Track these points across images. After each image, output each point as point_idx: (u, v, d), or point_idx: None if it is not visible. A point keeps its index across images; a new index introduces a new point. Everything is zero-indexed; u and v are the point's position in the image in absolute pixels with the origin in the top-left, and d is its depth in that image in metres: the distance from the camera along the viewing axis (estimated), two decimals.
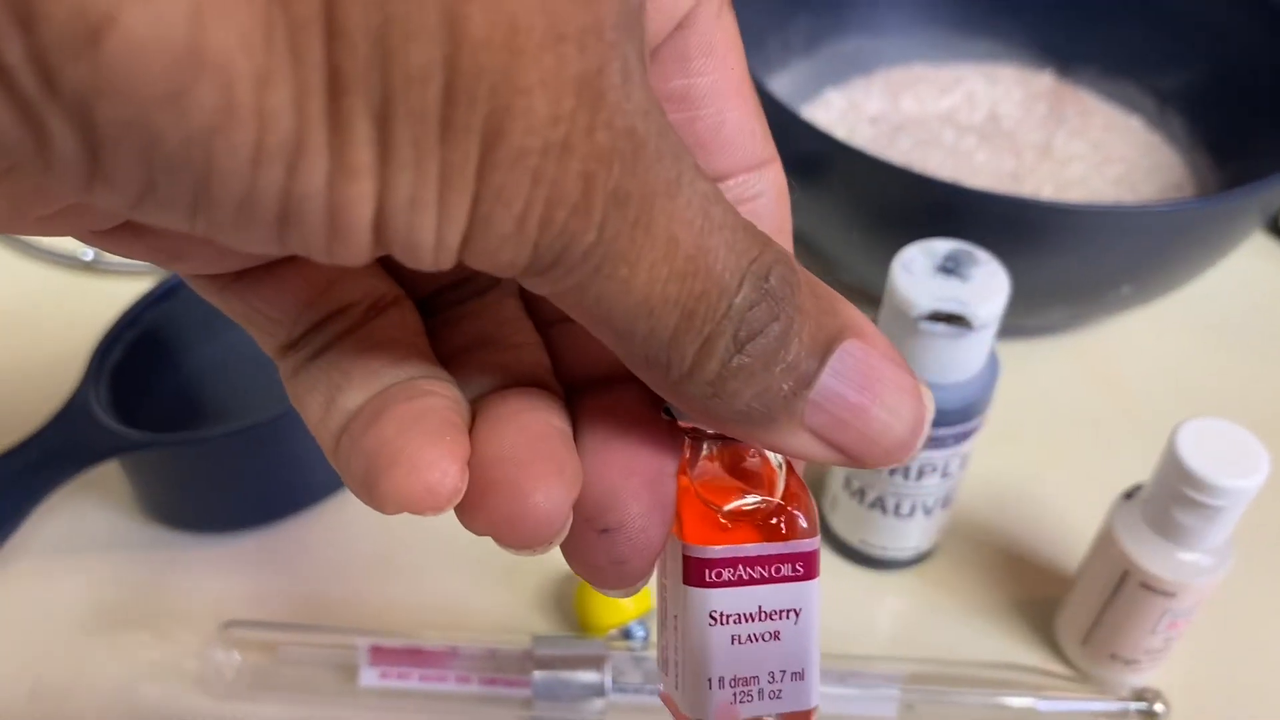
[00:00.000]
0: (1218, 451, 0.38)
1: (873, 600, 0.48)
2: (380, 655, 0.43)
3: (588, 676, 0.42)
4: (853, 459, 0.19)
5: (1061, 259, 0.50)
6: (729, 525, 0.20)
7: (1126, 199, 0.62)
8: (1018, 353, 0.59)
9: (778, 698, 0.21)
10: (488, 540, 0.27)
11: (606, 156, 0.15)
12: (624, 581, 0.20)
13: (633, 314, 0.17)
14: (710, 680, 0.20)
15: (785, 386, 0.18)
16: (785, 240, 0.22)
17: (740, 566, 0.20)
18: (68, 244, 0.61)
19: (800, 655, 0.21)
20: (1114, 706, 0.42)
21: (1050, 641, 0.46)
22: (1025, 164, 0.64)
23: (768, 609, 0.20)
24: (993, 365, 0.42)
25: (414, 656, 0.43)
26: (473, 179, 0.15)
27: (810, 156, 0.53)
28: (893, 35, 0.70)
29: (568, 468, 0.19)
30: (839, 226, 0.54)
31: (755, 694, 0.21)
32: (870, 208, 0.53)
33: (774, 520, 0.20)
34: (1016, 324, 0.57)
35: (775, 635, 0.20)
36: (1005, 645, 0.46)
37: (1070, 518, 0.50)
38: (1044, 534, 0.50)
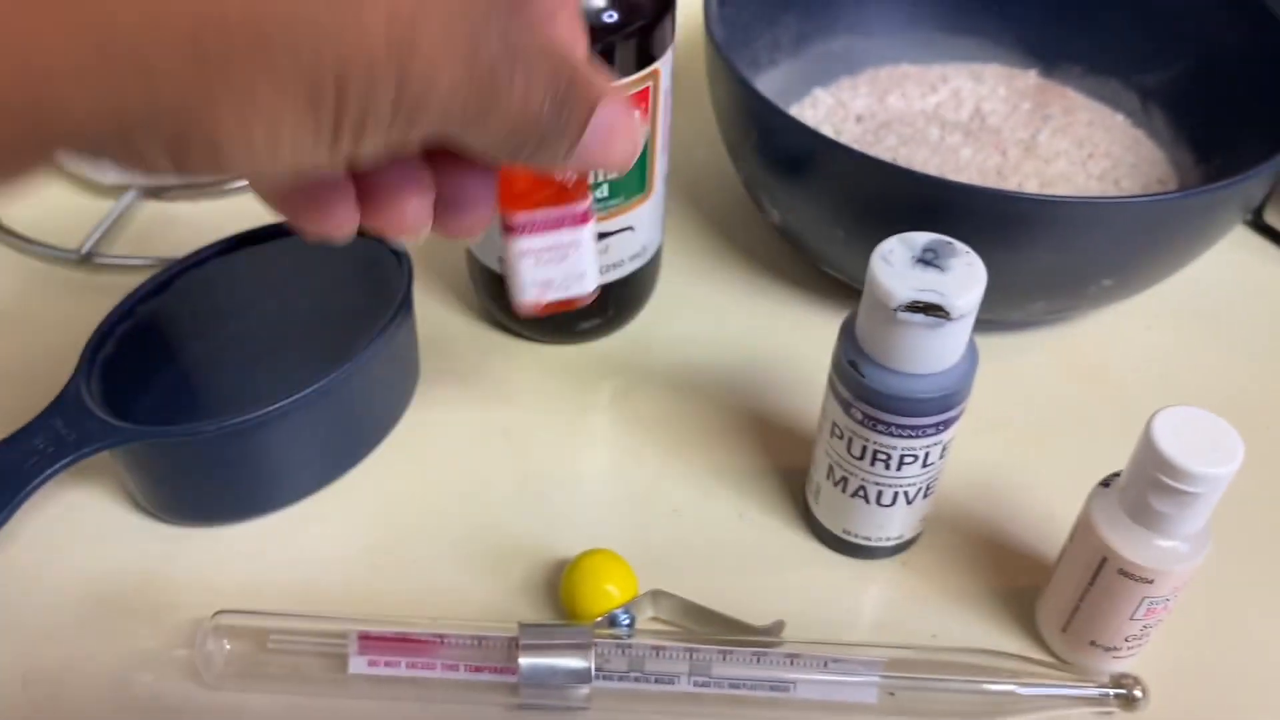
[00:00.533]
0: (1193, 439, 0.39)
1: (855, 588, 0.49)
2: (369, 643, 0.43)
3: (574, 663, 0.42)
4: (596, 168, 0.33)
5: (1044, 252, 0.51)
6: (528, 199, 0.37)
7: (1110, 194, 0.62)
8: (1000, 346, 0.59)
9: (567, 289, 0.39)
10: (476, 531, 0.46)
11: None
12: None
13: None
14: (525, 284, 0.38)
15: (562, 152, 0.30)
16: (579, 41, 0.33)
17: (537, 223, 0.37)
18: (63, 238, 0.61)
19: (581, 268, 0.38)
20: (1093, 692, 0.43)
21: (1031, 629, 0.47)
22: (1010, 160, 0.64)
23: (557, 243, 0.38)
24: (971, 355, 0.43)
25: (402, 644, 0.43)
26: None
27: (797, 153, 0.54)
28: (880, 36, 0.71)
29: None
30: (826, 222, 0.55)
31: (553, 288, 0.39)
32: (856, 204, 0.53)
33: (560, 195, 0.37)
34: (999, 318, 0.58)
35: (563, 258, 0.38)
36: (987, 632, 0.47)
37: (1051, 507, 0.51)
38: (1026, 523, 0.51)
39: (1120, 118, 0.68)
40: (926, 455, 0.44)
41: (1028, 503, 0.52)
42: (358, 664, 0.43)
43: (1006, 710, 0.43)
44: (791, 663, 0.43)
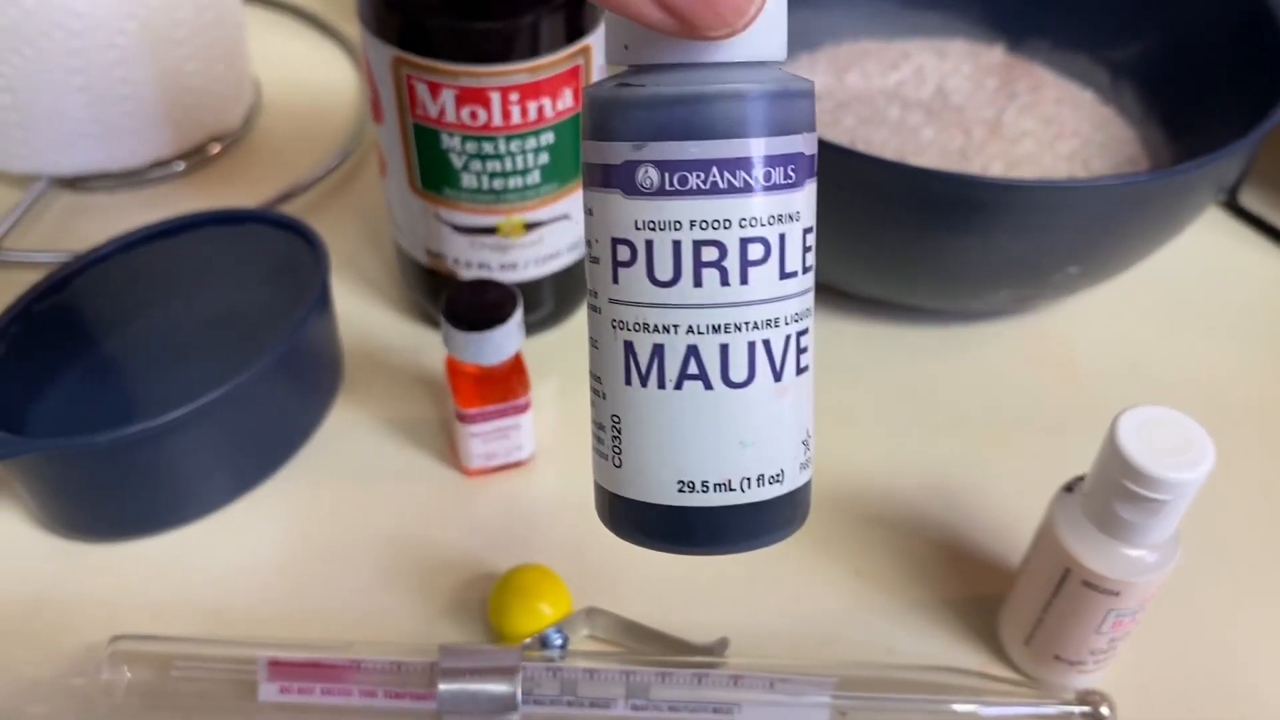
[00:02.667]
0: (1161, 441, 0.36)
1: (805, 601, 0.45)
2: (280, 670, 0.40)
3: (498, 688, 0.39)
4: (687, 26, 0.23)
5: (1006, 239, 0.48)
6: (479, 398, 0.46)
7: (1079, 175, 0.59)
8: (962, 337, 0.56)
9: (508, 457, 0.49)
10: (402, 545, 0.43)
11: None
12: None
13: None
14: (472, 456, 0.48)
15: None
16: None
17: (485, 414, 0.46)
18: None
19: (519, 442, 0.48)
20: (1057, 710, 0.40)
21: (993, 641, 0.44)
22: (974, 141, 0.61)
23: (500, 427, 0.47)
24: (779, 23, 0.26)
25: (315, 670, 0.40)
26: None
27: None
28: (839, 10, 0.67)
29: None
30: None
31: (496, 458, 0.49)
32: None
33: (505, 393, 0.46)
34: (959, 307, 0.55)
35: (505, 437, 0.48)
36: (945, 646, 0.44)
37: (1016, 509, 0.48)
38: (987, 527, 0.48)
39: (1089, 94, 0.65)
40: (786, 234, 0.25)
41: (989, 505, 0.49)
42: (268, 691, 0.40)
43: None
44: (735, 683, 0.40)
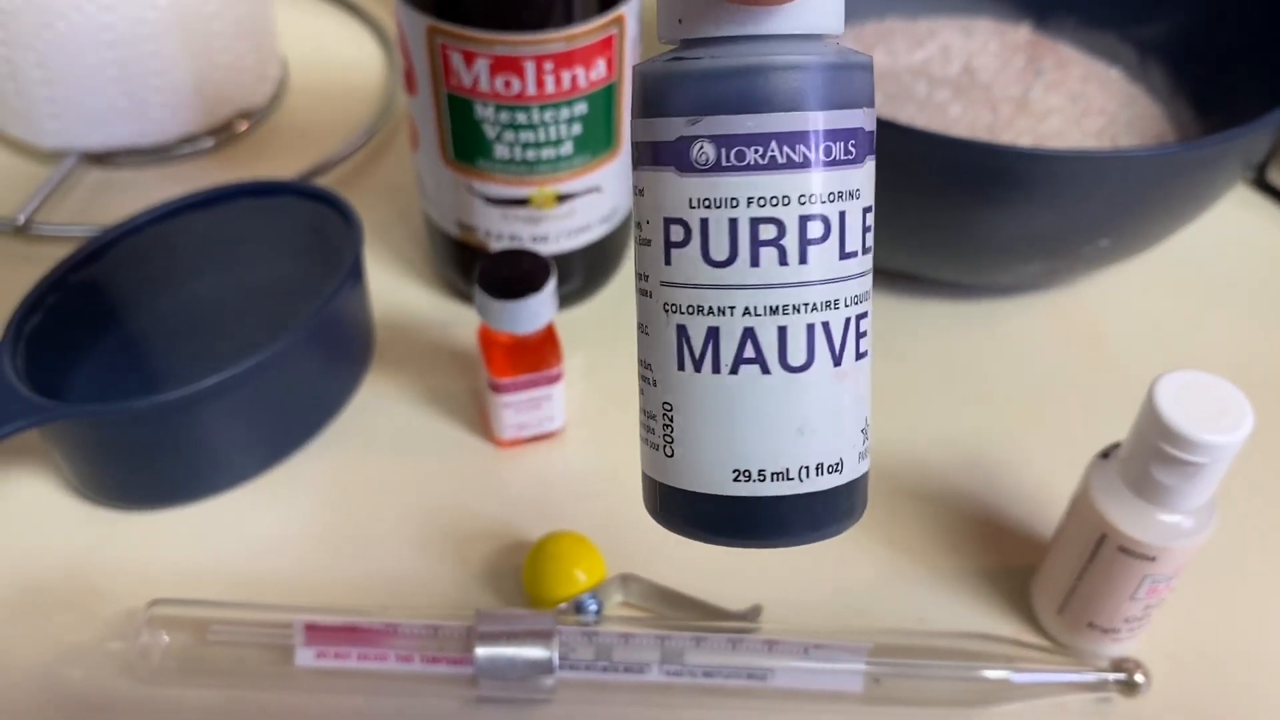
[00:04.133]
0: (1199, 405, 0.36)
1: (839, 570, 0.46)
2: (316, 634, 0.40)
3: (534, 652, 0.39)
4: None
5: (1036, 210, 0.48)
6: (512, 367, 0.46)
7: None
8: (992, 311, 0.56)
9: (539, 428, 0.49)
10: (435, 513, 0.43)
11: None
12: None
13: None
14: (504, 427, 0.48)
15: None
16: None
17: (517, 384, 0.46)
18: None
19: (551, 413, 0.48)
20: (1091, 678, 0.40)
21: (1026, 611, 0.44)
22: (1001, 117, 0.61)
23: (532, 397, 0.47)
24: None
25: (352, 634, 0.40)
26: None
27: None
28: None
29: None
30: None
31: (527, 429, 0.49)
32: None
33: (538, 362, 0.46)
34: (990, 281, 0.55)
35: (537, 408, 0.48)
36: (978, 615, 0.44)
37: (1048, 480, 0.48)
38: (1019, 498, 0.48)
39: (1116, 72, 0.64)
40: (842, 213, 0.24)
41: (1021, 477, 0.49)
42: (304, 656, 0.40)
43: (1000, 698, 0.40)
44: (770, 649, 0.40)
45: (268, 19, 0.65)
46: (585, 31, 0.44)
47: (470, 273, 0.44)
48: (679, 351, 0.25)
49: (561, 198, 0.49)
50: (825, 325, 0.24)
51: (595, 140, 0.48)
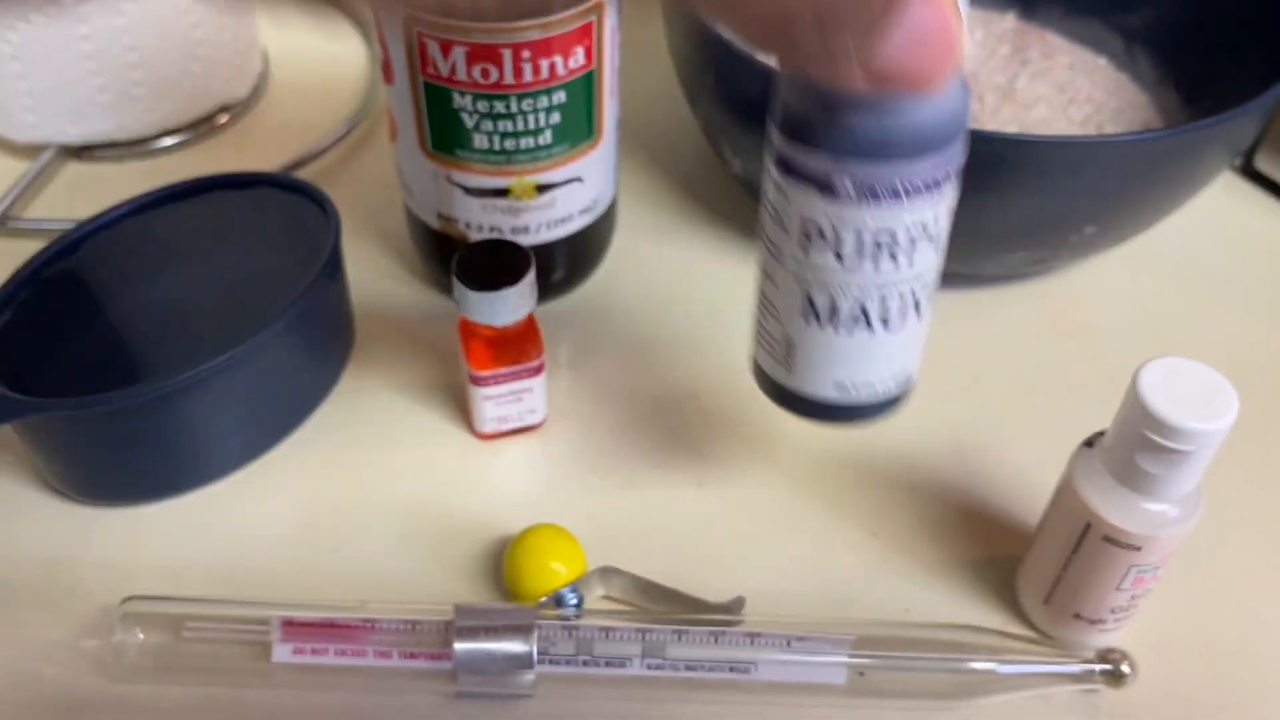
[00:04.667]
0: (1183, 392, 0.35)
1: (822, 561, 0.45)
2: (294, 630, 0.40)
3: (514, 647, 0.39)
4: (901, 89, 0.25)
5: (1021, 197, 0.47)
6: (492, 360, 0.45)
7: None
8: (979, 301, 0.56)
9: (520, 421, 0.48)
10: (415, 507, 0.44)
11: None
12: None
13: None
14: (485, 420, 0.48)
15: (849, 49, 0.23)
16: None
17: (498, 376, 0.46)
18: None
19: (532, 406, 0.48)
20: (1077, 669, 0.40)
21: (1011, 602, 0.44)
22: (987, 107, 0.61)
23: (513, 390, 0.47)
24: (963, 82, 0.32)
25: (330, 630, 0.40)
26: None
27: (758, 98, 0.50)
28: None
29: None
30: None
31: (509, 422, 0.48)
32: None
33: (519, 355, 0.46)
34: (975, 271, 0.54)
35: (519, 400, 0.47)
36: (963, 606, 0.44)
37: (1034, 470, 0.47)
38: (1004, 488, 0.47)
39: (1103, 61, 0.64)
40: (938, 222, 0.33)
41: (1006, 466, 0.48)
42: (282, 652, 0.40)
43: (985, 690, 0.40)
44: (752, 642, 0.40)
45: (247, 11, 0.64)
46: (563, 19, 0.43)
47: (451, 265, 0.44)
48: (804, 310, 0.34)
49: (542, 188, 0.48)
50: (915, 297, 0.35)
51: (575, 130, 0.47)
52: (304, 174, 0.60)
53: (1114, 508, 0.37)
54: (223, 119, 0.64)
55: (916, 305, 0.35)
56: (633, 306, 0.55)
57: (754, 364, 0.39)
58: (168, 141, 0.62)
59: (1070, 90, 0.62)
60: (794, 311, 0.35)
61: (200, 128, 0.63)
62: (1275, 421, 0.50)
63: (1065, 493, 0.39)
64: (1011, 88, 0.62)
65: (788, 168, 0.32)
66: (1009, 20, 0.66)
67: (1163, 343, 0.54)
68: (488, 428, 0.48)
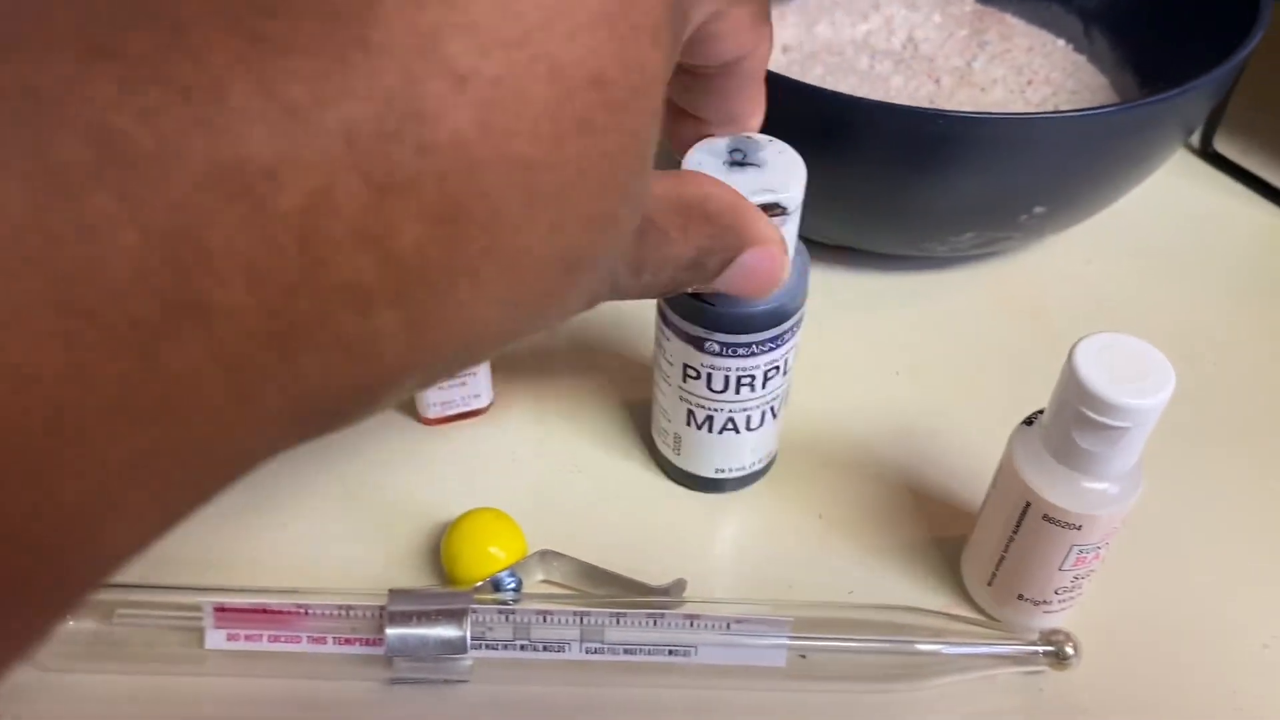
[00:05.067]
0: (1120, 368, 0.35)
1: (768, 544, 0.45)
2: (227, 616, 0.39)
3: (448, 632, 0.38)
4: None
5: (969, 175, 0.47)
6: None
7: None
8: (928, 283, 0.55)
9: (465, 405, 0.48)
10: (352, 495, 0.45)
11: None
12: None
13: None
14: (428, 404, 0.48)
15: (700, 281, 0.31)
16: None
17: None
18: None
19: (477, 390, 0.48)
20: (1020, 650, 0.39)
21: (956, 584, 0.43)
22: (944, 89, 0.60)
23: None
24: (802, 252, 0.40)
25: (263, 616, 0.39)
26: None
27: None
28: None
29: None
30: None
31: (453, 406, 0.48)
32: (770, 131, 0.49)
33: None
34: (924, 253, 0.54)
35: (463, 384, 0.47)
36: (908, 589, 0.43)
37: (981, 452, 0.47)
38: (952, 470, 0.47)
39: (1061, 43, 0.64)
40: (787, 361, 0.42)
41: (953, 450, 0.48)
42: (215, 638, 0.39)
43: (929, 672, 0.39)
44: (691, 625, 0.39)
45: None
46: None
47: None
48: (687, 419, 0.43)
49: None
50: (771, 409, 0.43)
51: None
52: None
53: (1053, 486, 0.37)
54: None
55: (773, 412, 0.43)
56: None
57: (652, 447, 0.48)
58: None
59: (1028, 72, 0.62)
60: (680, 419, 0.44)
61: None
62: (1226, 402, 0.50)
63: (1005, 472, 0.39)
64: (969, 70, 0.62)
65: (674, 328, 0.40)
66: (968, 3, 0.66)
67: (1116, 324, 0.53)
68: (431, 412, 0.47)
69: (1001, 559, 0.40)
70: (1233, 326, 0.54)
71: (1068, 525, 0.37)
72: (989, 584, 0.41)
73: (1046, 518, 0.37)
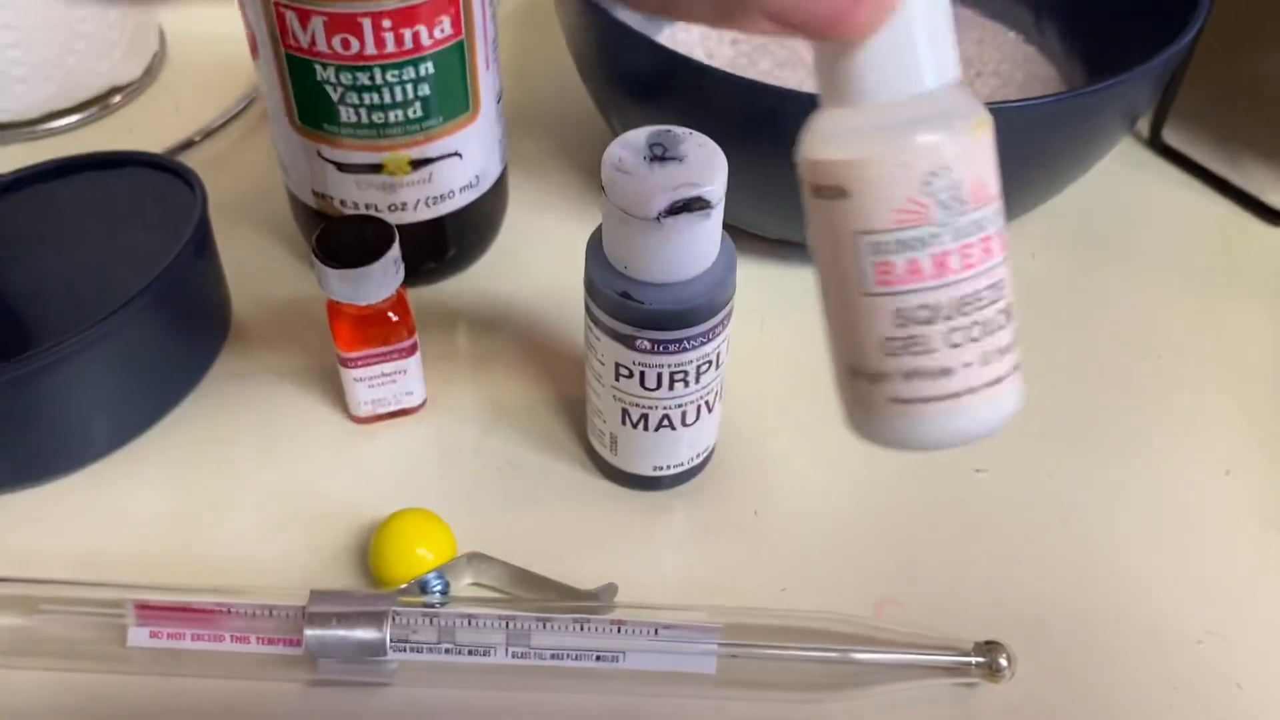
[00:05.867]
0: None
1: (702, 547, 0.44)
2: (149, 613, 0.39)
3: (366, 634, 0.38)
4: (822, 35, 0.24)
5: None
6: (360, 341, 0.44)
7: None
8: None
9: (397, 403, 0.47)
10: (283, 496, 0.44)
11: None
12: None
13: None
14: (359, 403, 0.47)
15: None
16: None
17: (369, 357, 0.45)
18: None
19: (409, 388, 0.47)
20: (954, 660, 0.39)
21: (898, 585, 0.43)
22: None
23: (385, 371, 0.45)
24: (728, 245, 0.39)
25: (185, 614, 0.39)
26: None
27: (661, 79, 0.49)
28: None
29: None
30: None
31: (385, 405, 0.47)
32: (716, 127, 0.48)
33: (388, 335, 0.44)
34: None
35: (393, 382, 0.46)
36: (842, 588, 0.43)
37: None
38: (893, 461, 0.46)
39: (1012, 35, 0.63)
40: (719, 355, 0.41)
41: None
42: (138, 636, 0.39)
43: (860, 681, 0.39)
44: (619, 630, 0.39)
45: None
46: None
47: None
48: (622, 418, 0.42)
49: (416, 163, 0.47)
50: (707, 403, 0.42)
51: (449, 102, 0.46)
52: (198, 154, 0.59)
53: (815, 140, 0.26)
54: (116, 99, 0.63)
55: (708, 406, 0.43)
56: (526, 284, 0.54)
57: (588, 447, 0.46)
58: (57, 124, 0.61)
59: (977, 64, 0.61)
60: (616, 418, 0.43)
61: (91, 109, 0.62)
62: (1173, 395, 0.50)
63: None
64: None
65: (604, 327, 0.39)
66: None
67: (1062, 316, 0.53)
68: (363, 411, 0.47)
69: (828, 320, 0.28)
70: (1181, 319, 0.54)
71: (834, 192, 0.26)
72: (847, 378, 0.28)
73: (813, 190, 0.26)
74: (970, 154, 0.26)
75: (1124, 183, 0.59)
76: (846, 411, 0.29)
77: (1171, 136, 0.62)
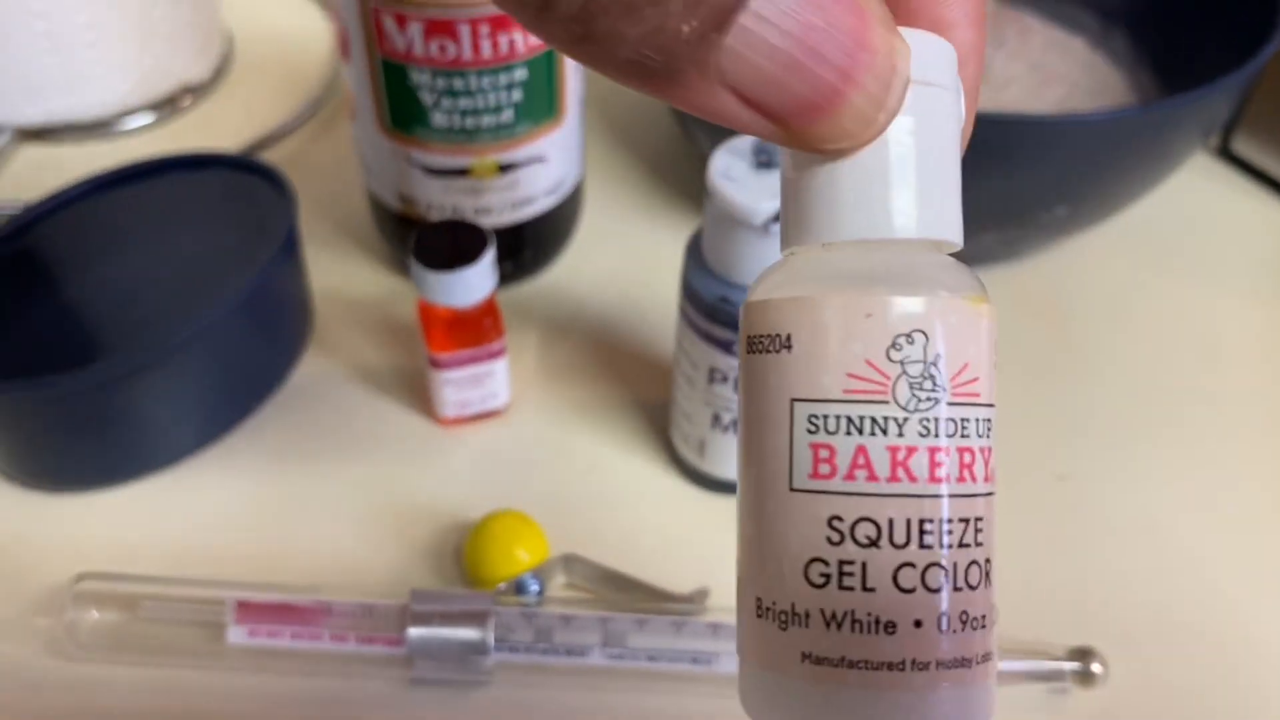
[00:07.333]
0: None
1: None
2: (248, 612, 0.39)
3: (468, 633, 0.38)
4: (787, 128, 0.17)
5: (990, 177, 0.46)
6: (452, 341, 0.45)
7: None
8: None
9: (483, 405, 0.47)
10: (376, 492, 0.43)
11: None
12: None
13: None
14: (446, 404, 0.47)
15: (686, 27, 0.14)
16: None
17: (458, 359, 0.45)
18: None
19: (494, 389, 0.47)
20: (1048, 667, 0.39)
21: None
22: None
23: (474, 374, 0.46)
24: None
25: (284, 613, 0.39)
26: None
27: None
28: None
29: None
30: None
31: (470, 406, 0.47)
32: None
33: (479, 337, 0.45)
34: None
35: (480, 384, 0.46)
36: None
37: (1002, 455, 0.46)
38: None
39: (1079, 42, 0.63)
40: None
41: None
42: (237, 634, 0.39)
43: None
44: (714, 633, 0.39)
45: None
46: None
47: (415, 249, 0.43)
48: (714, 422, 0.43)
49: (504, 168, 0.47)
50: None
51: (537, 108, 0.46)
52: (268, 155, 0.60)
53: (760, 284, 0.21)
54: (186, 101, 0.63)
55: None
56: (601, 289, 0.54)
57: (671, 451, 0.47)
58: (130, 123, 0.61)
59: (1044, 71, 0.61)
60: (705, 423, 0.43)
61: (162, 109, 0.62)
62: (1247, 403, 0.50)
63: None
64: (987, 70, 0.61)
65: (698, 330, 0.40)
66: (989, 4, 0.66)
67: (1133, 326, 0.54)
68: (449, 412, 0.47)
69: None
70: (1252, 327, 0.54)
71: (764, 343, 0.20)
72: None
73: (749, 341, 0.21)
74: (959, 327, 0.19)
75: (1193, 192, 0.59)
76: (741, 666, 0.22)
77: (1241, 146, 0.62)
